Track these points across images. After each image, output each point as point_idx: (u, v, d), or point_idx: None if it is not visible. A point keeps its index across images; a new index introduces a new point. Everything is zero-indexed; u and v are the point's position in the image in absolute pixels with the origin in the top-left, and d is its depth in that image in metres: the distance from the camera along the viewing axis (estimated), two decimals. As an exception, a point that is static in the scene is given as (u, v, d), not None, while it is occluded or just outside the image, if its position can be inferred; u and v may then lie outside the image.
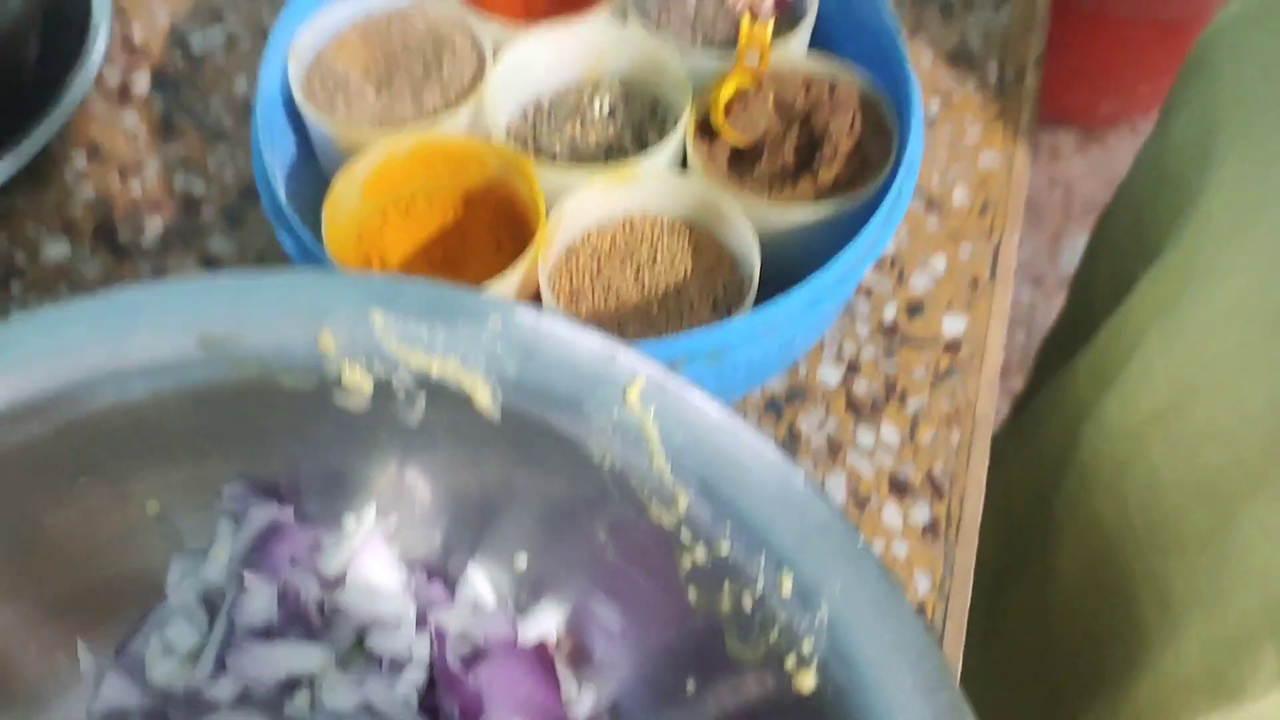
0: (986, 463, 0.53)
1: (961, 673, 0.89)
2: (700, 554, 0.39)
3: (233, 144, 0.62)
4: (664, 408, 0.39)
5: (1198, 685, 0.62)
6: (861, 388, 0.54)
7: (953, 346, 0.56)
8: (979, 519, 0.52)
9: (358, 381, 0.41)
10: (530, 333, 0.41)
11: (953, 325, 0.56)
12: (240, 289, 0.42)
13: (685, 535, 0.39)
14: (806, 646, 0.36)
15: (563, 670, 0.45)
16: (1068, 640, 0.78)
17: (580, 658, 0.45)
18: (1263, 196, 0.56)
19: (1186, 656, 0.62)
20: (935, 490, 0.52)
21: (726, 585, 0.39)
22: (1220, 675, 0.60)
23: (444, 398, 0.41)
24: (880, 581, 0.37)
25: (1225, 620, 0.59)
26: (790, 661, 0.37)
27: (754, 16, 0.53)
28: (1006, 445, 0.89)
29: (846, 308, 0.57)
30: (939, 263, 0.58)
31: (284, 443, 0.44)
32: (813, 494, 0.38)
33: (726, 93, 0.55)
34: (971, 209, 0.60)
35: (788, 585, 0.37)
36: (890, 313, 0.57)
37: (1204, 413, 0.59)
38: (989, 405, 0.54)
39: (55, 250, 0.58)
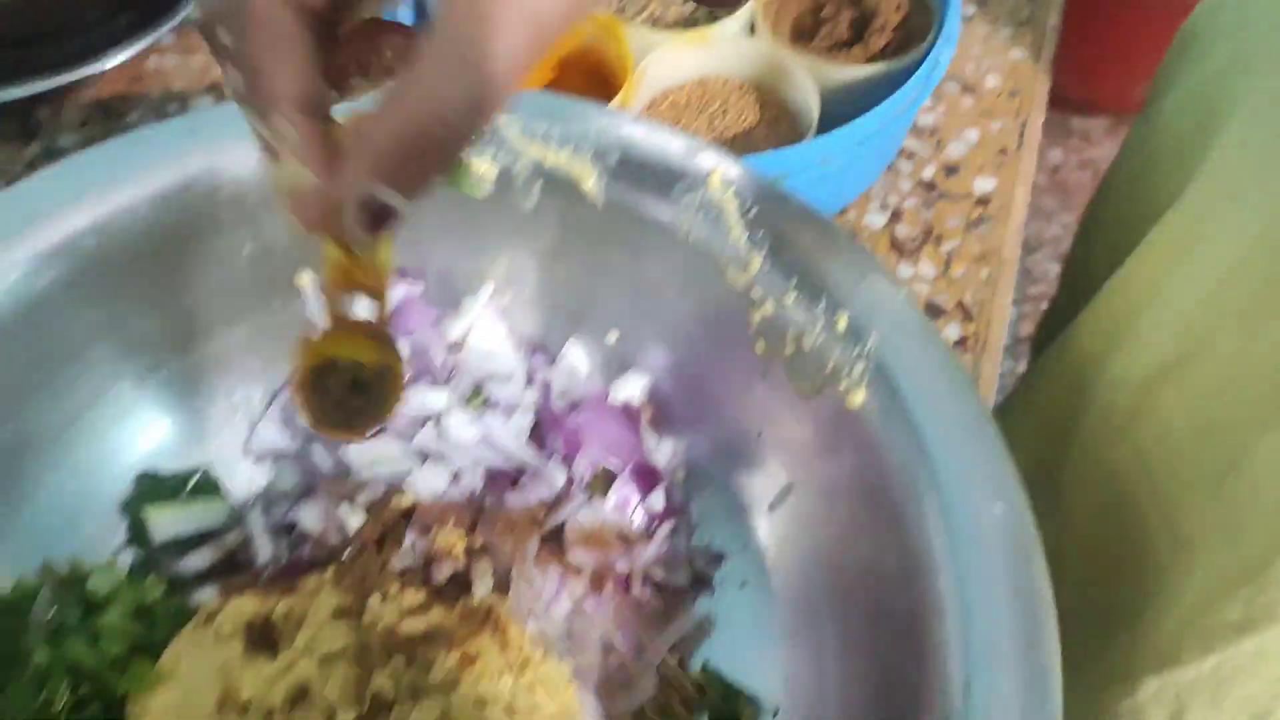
0: (1010, 295, 0.61)
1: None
2: (769, 307, 0.47)
3: (353, 23, 0.71)
4: (740, 188, 0.48)
5: (1229, 624, 0.64)
6: (903, 231, 0.62)
7: (983, 201, 0.64)
8: (1003, 338, 0.59)
9: (484, 170, 0.49)
10: (630, 130, 0.49)
11: (983, 184, 0.64)
12: (389, 92, 0.50)
13: (757, 292, 0.47)
14: (857, 370, 0.44)
15: (645, 429, 0.53)
16: (1081, 589, 0.82)
17: (660, 420, 0.53)
18: (1272, 150, 0.62)
19: (1206, 590, 0.64)
20: (965, 314, 0.60)
21: (790, 332, 0.47)
22: (1251, 605, 0.62)
23: (556, 184, 0.50)
24: (918, 320, 0.45)
25: (1244, 552, 0.62)
26: (844, 385, 0.45)
27: (346, 247, 0.36)
28: (1010, 416, 0.93)
29: (890, 167, 0.65)
30: (973, 134, 0.66)
31: (417, 229, 0.52)
32: (864, 252, 0.46)
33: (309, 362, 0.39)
34: (1002, 92, 0.68)
35: (843, 323, 0.45)
36: (929, 172, 0.65)
37: (1215, 361, 0.62)
38: (1014, 250, 0.62)
39: (202, 103, 0.67)
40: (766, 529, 0.50)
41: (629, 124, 0.49)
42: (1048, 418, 0.82)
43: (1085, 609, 0.80)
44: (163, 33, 0.69)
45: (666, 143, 0.49)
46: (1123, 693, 0.74)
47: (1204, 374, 0.63)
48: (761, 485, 0.50)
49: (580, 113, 0.50)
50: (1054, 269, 1.95)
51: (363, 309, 0.37)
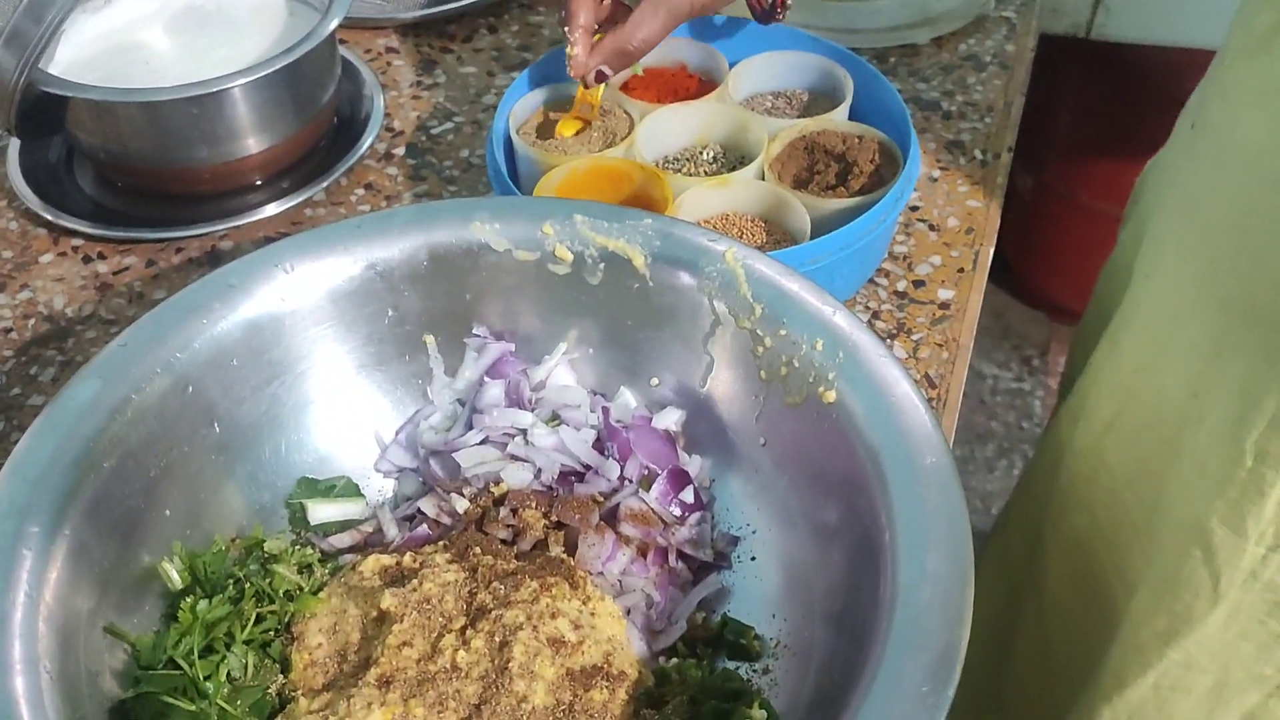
0: (965, 371, 0.78)
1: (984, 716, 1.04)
2: (769, 340, 0.65)
3: (460, 187, 0.93)
4: (746, 262, 0.66)
5: (1157, 634, 0.76)
6: (880, 326, 0.80)
7: (945, 305, 0.82)
8: (959, 402, 0.76)
9: (564, 254, 0.69)
10: (668, 225, 0.69)
11: (945, 294, 0.83)
12: (503, 204, 0.71)
13: (759, 330, 0.65)
14: (831, 376, 0.61)
15: (680, 450, 0.69)
16: (1064, 657, 0.93)
17: (691, 443, 0.70)
18: (1164, 246, 0.78)
19: (1141, 611, 0.77)
20: (930, 383, 0.77)
21: (783, 357, 0.64)
22: (1171, 613, 0.74)
23: (615, 263, 0.69)
24: (874, 341, 0.62)
25: (1163, 565, 0.74)
26: (821, 388, 0.62)
27: (585, 85, 0.85)
28: (1007, 523, 1.07)
29: (870, 282, 0.84)
30: (936, 259, 0.85)
31: (511, 303, 0.71)
32: (834, 302, 0.64)
33: (567, 129, 0.88)
34: (960, 230, 0.88)
35: (820, 345, 0.63)
36: (901, 285, 0.83)
37: (1137, 409, 0.78)
38: (968, 339, 0.79)
39: (346, 239, 0.88)
40: (769, 515, 0.66)
41: (669, 222, 0.69)
42: (1033, 510, 0.97)
43: (1069, 673, 0.92)
44: (316, 190, 0.91)
45: (695, 233, 0.69)
46: None
47: (1130, 423, 0.79)
48: (765, 482, 0.66)
49: (635, 215, 0.69)
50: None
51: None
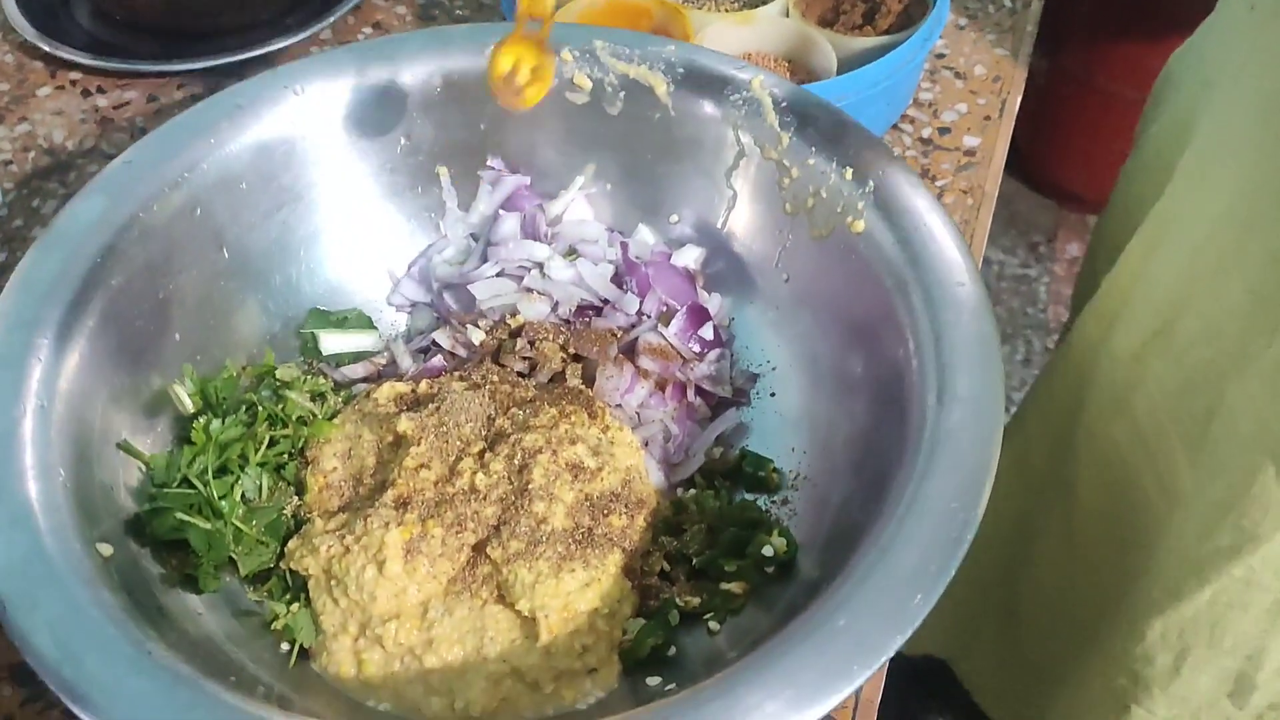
0: (990, 219, 0.76)
1: (989, 623, 1.01)
2: (795, 171, 0.63)
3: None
4: (774, 89, 0.64)
5: (1219, 549, 0.72)
6: (904, 171, 0.78)
7: (970, 152, 0.79)
8: (984, 248, 0.74)
9: (583, 81, 0.66)
10: (692, 51, 0.66)
11: (970, 141, 0.80)
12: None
13: (787, 161, 0.63)
14: (860, 205, 0.60)
15: (700, 288, 0.68)
16: (1094, 565, 0.91)
17: (710, 282, 0.68)
18: (1227, 146, 0.72)
19: (1200, 525, 0.73)
20: (954, 229, 0.75)
21: (810, 188, 0.62)
22: (1237, 529, 0.70)
23: (636, 92, 0.66)
24: (906, 169, 0.60)
25: (1228, 482, 0.70)
26: (849, 219, 0.60)
27: None
28: (1023, 421, 1.03)
29: (894, 128, 0.81)
30: (963, 106, 0.83)
31: (527, 135, 0.69)
32: (863, 129, 0.62)
33: (504, 63, 0.58)
34: (987, 78, 0.85)
35: (849, 173, 0.61)
36: (926, 133, 0.81)
37: (1192, 320, 0.72)
38: (994, 185, 0.77)
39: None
40: (790, 352, 0.64)
41: (692, 49, 0.66)
42: (1056, 411, 0.92)
43: (1099, 582, 0.89)
44: (323, 26, 0.88)
45: (719, 60, 0.66)
46: (1133, 640, 0.82)
47: (1184, 334, 0.73)
48: (787, 319, 0.65)
49: (657, 41, 0.67)
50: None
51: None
